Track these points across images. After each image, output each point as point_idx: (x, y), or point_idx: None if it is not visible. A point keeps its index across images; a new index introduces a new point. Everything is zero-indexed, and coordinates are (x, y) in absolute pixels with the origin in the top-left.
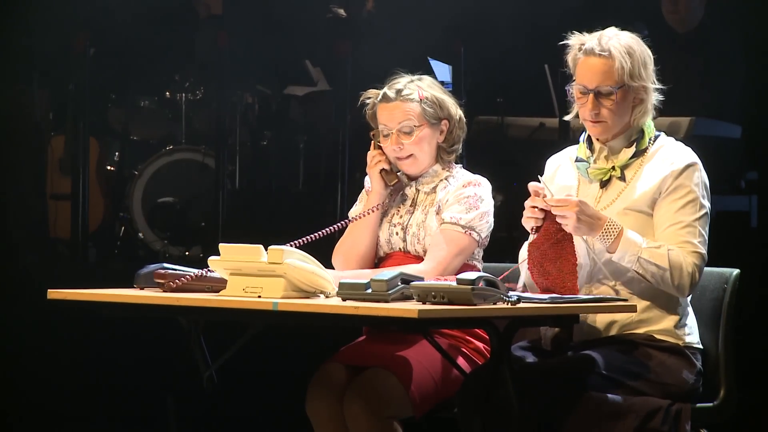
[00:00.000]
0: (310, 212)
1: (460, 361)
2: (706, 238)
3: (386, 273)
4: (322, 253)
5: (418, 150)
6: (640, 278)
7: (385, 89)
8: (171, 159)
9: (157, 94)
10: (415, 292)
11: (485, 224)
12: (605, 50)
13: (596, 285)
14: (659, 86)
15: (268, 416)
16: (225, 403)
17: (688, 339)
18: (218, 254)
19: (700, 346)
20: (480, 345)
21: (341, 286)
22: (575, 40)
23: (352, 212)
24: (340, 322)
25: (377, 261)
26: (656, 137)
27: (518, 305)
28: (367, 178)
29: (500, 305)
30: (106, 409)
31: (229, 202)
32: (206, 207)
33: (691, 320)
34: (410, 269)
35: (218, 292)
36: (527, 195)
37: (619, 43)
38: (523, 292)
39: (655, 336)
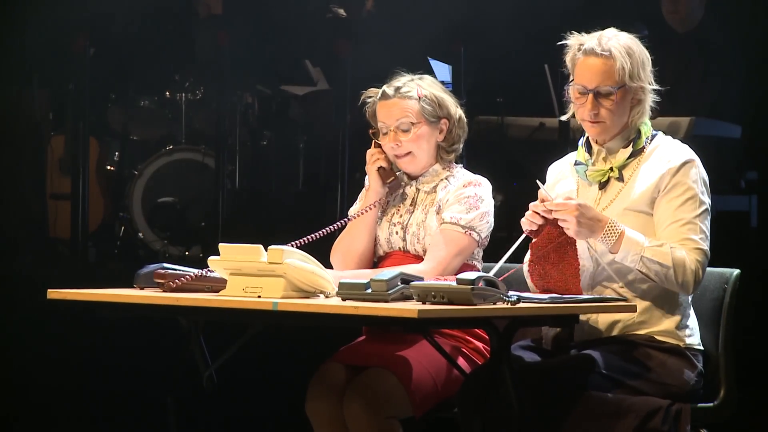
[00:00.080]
0: (310, 212)
1: (460, 361)
2: (708, 234)
3: (386, 273)
4: (322, 252)
5: (416, 148)
6: (642, 280)
7: (384, 87)
8: (171, 159)
9: (157, 94)
10: (414, 292)
11: (485, 224)
12: (606, 50)
13: (599, 289)
14: (656, 87)
15: (268, 416)
16: (225, 403)
17: (689, 340)
18: (218, 254)
19: (701, 348)
20: (480, 345)
21: (341, 286)
22: (574, 40)
23: (352, 211)
24: (339, 322)
25: (377, 260)
26: (653, 136)
27: (518, 305)
28: (367, 177)
29: (500, 305)
30: (105, 408)
31: (229, 202)
32: (206, 207)
33: (693, 321)
34: (410, 269)
35: (218, 292)
36: (527, 195)
37: (618, 43)
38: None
39: (657, 337)
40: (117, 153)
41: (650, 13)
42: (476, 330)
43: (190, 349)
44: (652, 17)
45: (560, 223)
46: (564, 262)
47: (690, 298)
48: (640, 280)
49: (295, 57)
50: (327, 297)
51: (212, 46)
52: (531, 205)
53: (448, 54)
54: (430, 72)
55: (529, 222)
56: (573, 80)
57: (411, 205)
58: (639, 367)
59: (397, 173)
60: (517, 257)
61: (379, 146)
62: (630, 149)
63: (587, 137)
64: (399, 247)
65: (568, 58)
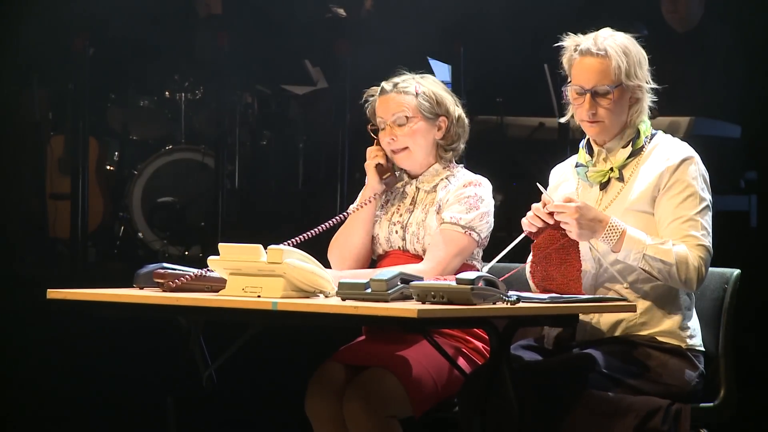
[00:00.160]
0: (309, 212)
1: (460, 360)
2: (710, 230)
3: (386, 273)
4: (322, 251)
5: (412, 142)
6: (645, 280)
7: (383, 83)
8: (170, 159)
9: (157, 94)
10: (414, 292)
11: (485, 224)
12: (601, 50)
13: (602, 290)
14: (654, 86)
15: (267, 416)
16: (224, 402)
17: (691, 341)
18: (218, 254)
19: (703, 349)
20: (479, 345)
21: (341, 285)
22: (570, 41)
23: (350, 210)
24: (339, 322)
25: (376, 258)
26: (652, 136)
27: (517, 305)
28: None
29: (499, 305)
30: (105, 408)
31: (229, 201)
32: (206, 207)
33: (695, 322)
34: (409, 269)
35: (218, 291)
36: (527, 195)
37: (614, 42)
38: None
39: (658, 338)
40: (117, 153)
41: (650, 13)
42: (476, 330)
43: (189, 349)
44: (652, 17)
45: (562, 225)
46: (566, 263)
47: (693, 300)
48: (643, 281)
49: (295, 57)
50: (327, 297)
51: (212, 46)
52: (533, 206)
53: (448, 54)
54: (431, 72)
55: (529, 223)
56: (570, 81)
57: (411, 204)
58: (639, 367)
59: (397, 172)
60: (518, 258)
61: (380, 144)
62: (630, 149)
63: (588, 139)
64: (398, 247)
65: (564, 60)
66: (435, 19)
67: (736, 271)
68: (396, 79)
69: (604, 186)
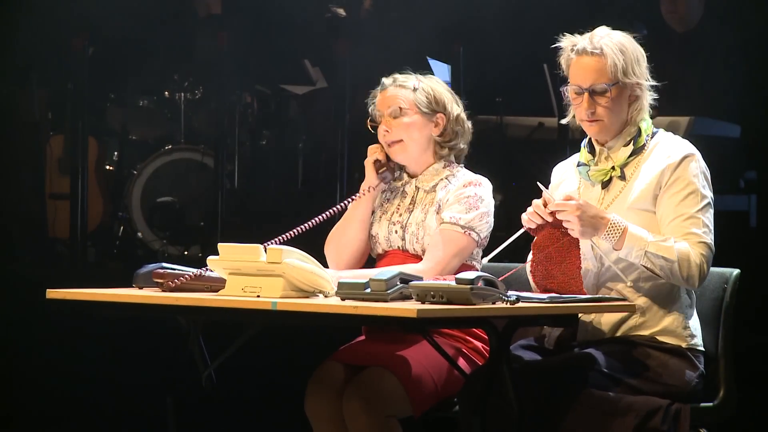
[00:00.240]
0: (308, 212)
1: (460, 360)
2: (711, 228)
3: (385, 273)
4: (321, 250)
5: (406, 135)
6: (647, 279)
7: (384, 78)
8: (170, 158)
9: (156, 94)
10: (414, 292)
11: (485, 224)
12: (597, 48)
13: (604, 290)
14: (654, 83)
15: (267, 416)
16: (224, 402)
17: (691, 341)
18: (217, 254)
19: (703, 348)
20: (479, 345)
21: (340, 285)
22: (567, 41)
23: (343, 203)
24: (338, 322)
25: (376, 258)
26: (654, 134)
27: (517, 305)
28: None
29: (499, 305)
30: (105, 408)
31: (228, 201)
32: (205, 206)
33: (695, 322)
34: (408, 269)
35: (217, 291)
36: (526, 195)
37: (610, 41)
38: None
39: (659, 337)
40: (116, 153)
41: (649, 13)
42: (476, 330)
43: (189, 349)
44: (652, 17)
45: (564, 224)
46: (567, 262)
47: (693, 299)
48: (645, 279)
49: (294, 57)
50: (326, 296)
51: (211, 46)
52: (534, 202)
53: (448, 54)
54: (430, 72)
55: (528, 219)
56: (569, 82)
57: (410, 204)
58: (639, 366)
59: (396, 172)
60: (518, 257)
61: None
62: (631, 147)
63: (589, 138)
64: (398, 246)
65: (562, 60)
66: (434, 19)
67: (736, 271)
68: (397, 75)
69: (605, 185)
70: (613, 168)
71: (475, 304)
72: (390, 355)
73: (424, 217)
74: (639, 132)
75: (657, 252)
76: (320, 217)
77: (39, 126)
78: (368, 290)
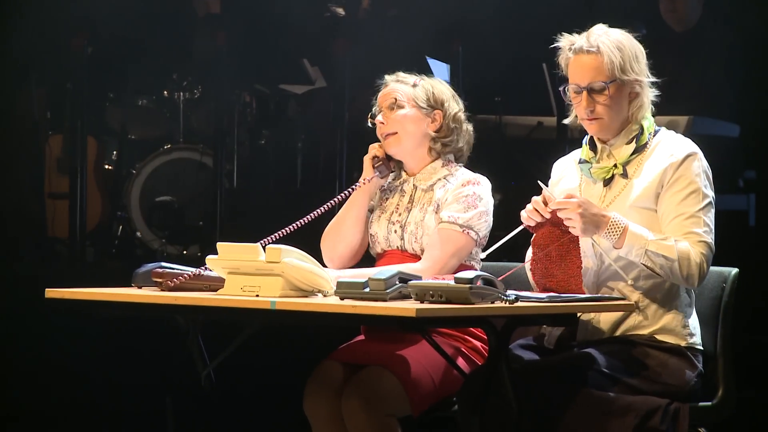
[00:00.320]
0: (308, 211)
1: (459, 360)
2: (712, 227)
3: (384, 272)
4: (319, 249)
5: (401, 128)
6: (647, 277)
7: (387, 76)
8: (169, 158)
9: (155, 93)
10: (412, 291)
11: (483, 223)
12: (593, 46)
13: (603, 288)
14: (654, 80)
15: (266, 415)
16: (223, 402)
17: (690, 339)
18: (216, 253)
19: (702, 348)
20: (478, 344)
21: (339, 285)
22: (565, 41)
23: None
24: (337, 321)
25: (375, 257)
26: (656, 132)
27: (516, 304)
28: None
29: (498, 304)
30: (104, 408)
31: (227, 201)
32: (204, 206)
33: (694, 321)
34: (407, 268)
35: (216, 290)
36: (526, 194)
37: (608, 38)
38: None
39: (658, 336)
40: (115, 152)
41: (648, 13)
42: (474, 329)
43: (187, 348)
44: (650, 16)
45: (566, 222)
46: (566, 261)
47: (693, 298)
48: (645, 278)
49: (293, 56)
50: (325, 296)
51: (210, 46)
52: (533, 199)
53: (447, 53)
54: (429, 71)
55: (528, 217)
56: (568, 81)
57: (409, 202)
58: (639, 366)
59: (394, 172)
60: (517, 256)
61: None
62: (633, 145)
63: (591, 135)
64: (397, 246)
65: (561, 60)
66: (433, 18)
67: (735, 270)
68: (401, 73)
69: (607, 182)
70: (615, 165)
71: (474, 304)
72: (389, 355)
73: (422, 216)
74: (641, 130)
75: (657, 251)
76: (316, 212)
77: (38, 125)
78: (367, 290)
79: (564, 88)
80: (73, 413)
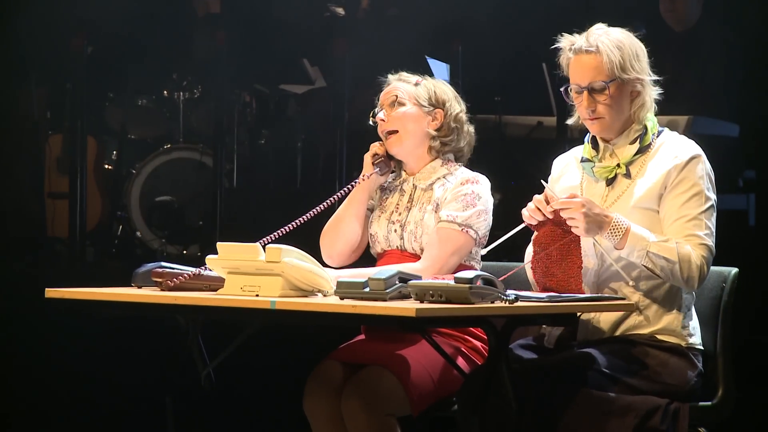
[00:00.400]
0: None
1: (459, 360)
2: (713, 231)
3: (384, 272)
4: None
5: (401, 125)
6: (647, 278)
7: (390, 75)
8: (169, 158)
9: (155, 93)
10: (412, 291)
11: (483, 222)
12: (592, 46)
13: (604, 288)
14: (656, 78)
15: (266, 414)
16: (223, 401)
17: (691, 340)
18: (216, 253)
19: (702, 348)
20: (478, 344)
21: (339, 284)
22: (565, 41)
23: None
24: (337, 321)
25: (375, 257)
26: (660, 132)
27: (516, 304)
28: None
29: (498, 304)
30: (104, 408)
31: (227, 200)
32: (204, 206)
33: (694, 321)
34: (407, 268)
35: (216, 290)
36: (525, 194)
37: (607, 38)
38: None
39: (658, 336)
40: (115, 152)
41: (648, 12)
42: (474, 329)
43: (187, 348)
44: (650, 16)
45: (568, 222)
46: (567, 261)
47: (693, 298)
48: (645, 278)
49: (293, 56)
50: (325, 296)
51: (210, 45)
52: (535, 197)
53: (447, 53)
54: (429, 71)
55: (529, 216)
56: (570, 81)
57: (408, 202)
58: (639, 366)
59: (393, 171)
60: (517, 256)
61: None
62: (637, 145)
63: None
64: (397, 246)
65: (562, 60)
66: (433, 18)
67: (734, 270)
68: (403, 72)
69: (610, 182)
70: (618, 165)
71: (473, 303)
72: (389, 354)
73: (422, 215)
74: (645, 130)
75: (658, 252)
76: (315, 209)
77: (38, 125)
78: (367, 289)
79: (566, 88)
80: (73, 413)
